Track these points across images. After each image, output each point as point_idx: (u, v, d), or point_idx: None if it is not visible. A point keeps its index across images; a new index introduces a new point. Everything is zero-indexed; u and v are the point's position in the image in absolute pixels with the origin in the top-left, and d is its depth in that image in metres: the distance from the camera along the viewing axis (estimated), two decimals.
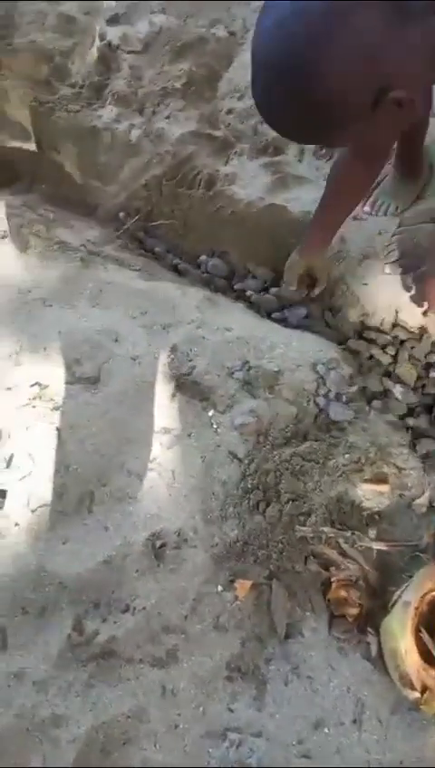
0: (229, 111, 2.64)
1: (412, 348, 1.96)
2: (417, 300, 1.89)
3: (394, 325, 2.00)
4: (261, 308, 2.18)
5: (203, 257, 2.36)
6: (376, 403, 1.90)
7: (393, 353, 1.97)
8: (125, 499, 1.73)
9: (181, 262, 2.37)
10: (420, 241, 2.03)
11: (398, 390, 1.90)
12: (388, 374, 1.97)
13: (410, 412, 1.92)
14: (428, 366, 1.96)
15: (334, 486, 1.74)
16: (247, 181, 2.35)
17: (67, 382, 1.85)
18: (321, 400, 1.84)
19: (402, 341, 1.98)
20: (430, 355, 1.96)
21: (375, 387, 1.93)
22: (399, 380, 1.94)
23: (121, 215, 2.49)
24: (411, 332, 1.98)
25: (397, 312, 2.07)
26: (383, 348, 1.98)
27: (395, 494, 1.76)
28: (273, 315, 2.16)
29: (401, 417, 1.90)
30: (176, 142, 2.48)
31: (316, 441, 1.81)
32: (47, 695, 1.48)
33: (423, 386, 1.95)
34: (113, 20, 2.87)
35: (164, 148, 2.47)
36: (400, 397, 1.89)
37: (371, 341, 2.02)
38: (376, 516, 1.73)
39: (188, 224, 2.42)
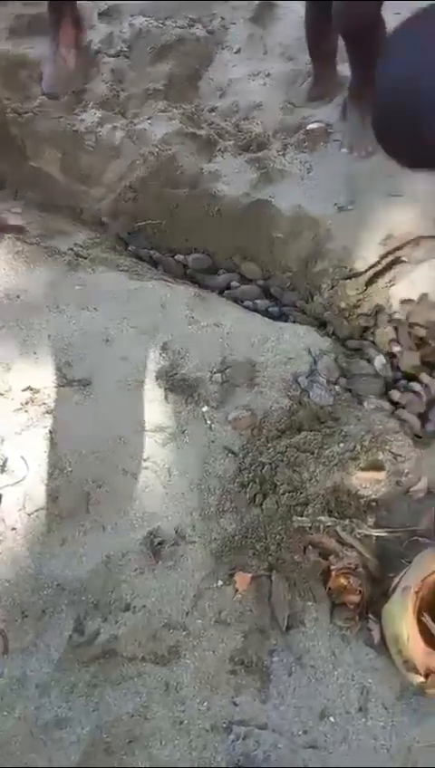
0: (211, 110, 2.66)
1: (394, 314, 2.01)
2: None
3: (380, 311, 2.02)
4: (237, 300, 2.20)
5: (180, 256, 2.36)
6: (357, 381, 1.91)
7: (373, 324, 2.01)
8: (122, 499, 1.72)
9: (162, 256, 2.37)
10: None
11: (379, 361, 1.90)
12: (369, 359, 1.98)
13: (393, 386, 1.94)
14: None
15: (331, 476, 1.73)
16: (232, 178, 2.35)
17: (59, 385, 1.85)
18: (303, 381, 1.84)
19: (380, 310, 2.00)
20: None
21: (357, 369, 1.93)
22: (378, 349, 1.96)
23: (105, 218, 2.49)
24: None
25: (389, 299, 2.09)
26: (364, 330, 2.00)
27: (392, 481, 1.75)
28: (244, 304, 2.16)
29: (384, 394, 1.90)
30: (159, 142, 2.48)
31: (311, 432, 1.80)
32: (50, 697, 1.47)
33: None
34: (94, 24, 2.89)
35: (148, 148, 2.47)
36: (379, 368, 1.90)
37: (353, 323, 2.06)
38: (374, 504, 1.72)
39: (174, 223, 2.42)
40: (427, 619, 1.44)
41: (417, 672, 1.41)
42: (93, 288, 2.09)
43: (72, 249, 2.23)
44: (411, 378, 1.97)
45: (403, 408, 1.89)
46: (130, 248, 2.40)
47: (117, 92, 2.71)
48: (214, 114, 2.61)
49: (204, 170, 2.40)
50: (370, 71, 2.22)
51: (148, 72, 2.79)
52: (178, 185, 2.41)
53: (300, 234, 2.22)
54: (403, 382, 1.94)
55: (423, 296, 2.06)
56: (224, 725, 1.45)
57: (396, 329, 2.05)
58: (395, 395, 1.89)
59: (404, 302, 2.09)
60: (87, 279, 2.11)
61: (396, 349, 1.96)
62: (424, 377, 1.92)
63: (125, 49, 2.88)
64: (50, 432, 1.78)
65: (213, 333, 1.97)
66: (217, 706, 1.48)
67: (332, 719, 1.45)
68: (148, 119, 2.60)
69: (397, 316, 2.08)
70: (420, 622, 1.44)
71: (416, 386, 1.89)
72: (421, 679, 1.40)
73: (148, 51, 2.85)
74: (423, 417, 1.88)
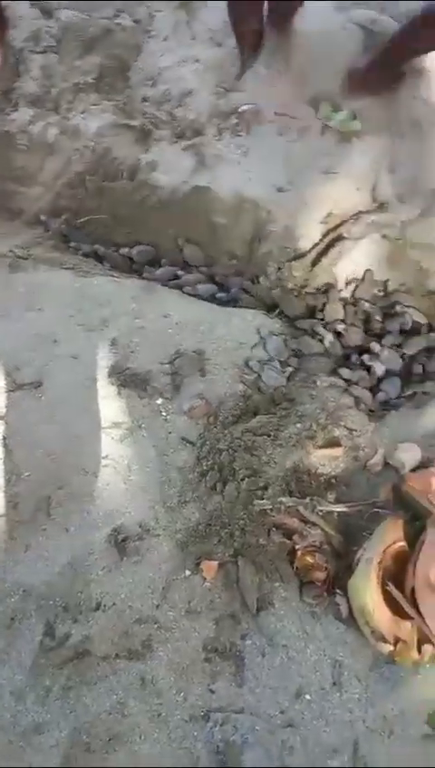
0: (144, 100, 2.62)
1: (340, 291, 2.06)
2: None
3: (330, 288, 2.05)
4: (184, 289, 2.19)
5: (124, 250, 2.34)
6: (308, 360, 1.92)
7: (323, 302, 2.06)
8: (83, 499, 1.71)
9: (107, 251, 2.35)
10: None
11: (328, 340, 1.92)
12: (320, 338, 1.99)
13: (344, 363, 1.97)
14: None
15: (289, 456, 1.74)
16: (169, 167, 2.33)
17: (8, 390, 1.83)
18: (255, 364, 1.84)
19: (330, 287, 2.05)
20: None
21: (308, 349, 1.94)
22: (327, 326, 1.99)
23: (44, 217, 2.46)
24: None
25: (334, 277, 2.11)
26: (313, 310, 2.02)
27: (349, 457, 1.77)
28: (192, 292, 2.15)
29: (335, 371, 1.93)
30: (94, 136, 2.45)
31: (267, 415, 1.81)
32: (26, 703, 1.46)
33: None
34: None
35: (82, 143, 2.45)
36: (328, 345, 1.91)
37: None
38: (333, 480, 1.74)
39: (116, 217, 2.40)
40: (391, 587, 1.46)
41: (385, 641, 1.43)
42: (38, 288, 2.06)
43: (12, 251, 2.19)
44: (363, 350, 1.99)
45: (356, 384, 1.90)
46: (71, 245, 2.37)
47: (47, 89, 2.66)
48: (147, 104, 2.58)
49: (141, 161, 2.38)
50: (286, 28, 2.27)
51: (77, 66, 2.74)
52: (116, 177, 2.38)
53: (241, 218, 2.21)
54: (355, 357, 1.96)
55: (367, 272, 2.08)
56: (202, 714, 1.46)
57: (344, 306, 2.07)
58: (345, 372, 1.90)
59: (349, 278, 2.11)
60: (30, 279, 2.08)
61: (340, 327, 1.98)
62: (374, 346, 1.95)
63: (53, 44, 2.84)
64: (4, 438, 1.76)
65: (162, 325, 1.96)
66: (194, 696, 1.48)
67: (307, 696, 1.47)
68: (81, 113, 2.57)
69: (343, 294, 2.10)
70: (384, 592, 1.46)
71: (366, 358, 1.91)
72: (390, 648, 1.43)
73: (75, 44, 2.81)
74: (374, 390, 1.90)
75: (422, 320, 2.05)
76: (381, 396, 1.89)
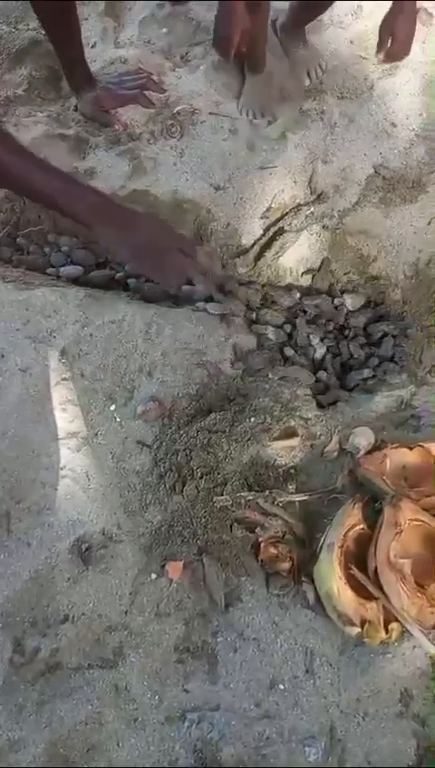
0: (76, 108, 2.61)
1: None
2: None
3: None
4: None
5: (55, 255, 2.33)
6: (257, 355, 1.94)
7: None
8: (43, 512, 1.70)
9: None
10: None
11: (270, 332, 1.94)
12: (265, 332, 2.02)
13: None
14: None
15: (245, 451, 1.75)
16: (107, 173, 2.33)
17: None
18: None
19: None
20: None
21: (256, 344, 1.97)
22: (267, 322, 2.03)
23: None
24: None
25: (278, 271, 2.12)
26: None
27: (306, 446, 1.79)
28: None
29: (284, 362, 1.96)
30: (29, 148, 2.43)
31: (220, 412, 1.82)
32: None
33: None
34: None
35: None
36: (272, 337, 1.94)
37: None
38: (292, 471, 1.75)
39: (58, 227, 2.38)
40: (354, 570, 1.48)
41: (353, 624, 1.44)
42: None
43: None
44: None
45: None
46: (13, 258, 2.34)
47: None
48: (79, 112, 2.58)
49: (78, 169, 2.37)
50: None
51: (6, 80, 2.72)
52: None
53: (182, 218, 2.22)
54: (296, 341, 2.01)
55: (325, 260, 2.11)
56: (178, 715, 1.46)
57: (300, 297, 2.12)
58: (289, 351, 1.94)
59: (295, 269, 2.14)
60: None
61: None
62: (316, 341, 1.98)
63: None
64: None
65: (110, 331, 1.95)
66: (169, 697, 1.48)
67: (281, 687, 1.48)
68: (13, 126, 2.54)
69: (295, 283, 2.14)
70: (348, 575, 1.48)
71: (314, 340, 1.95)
72: (358, 630, 1.44)
73: (3, 57, 2.79)
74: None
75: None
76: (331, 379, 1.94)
